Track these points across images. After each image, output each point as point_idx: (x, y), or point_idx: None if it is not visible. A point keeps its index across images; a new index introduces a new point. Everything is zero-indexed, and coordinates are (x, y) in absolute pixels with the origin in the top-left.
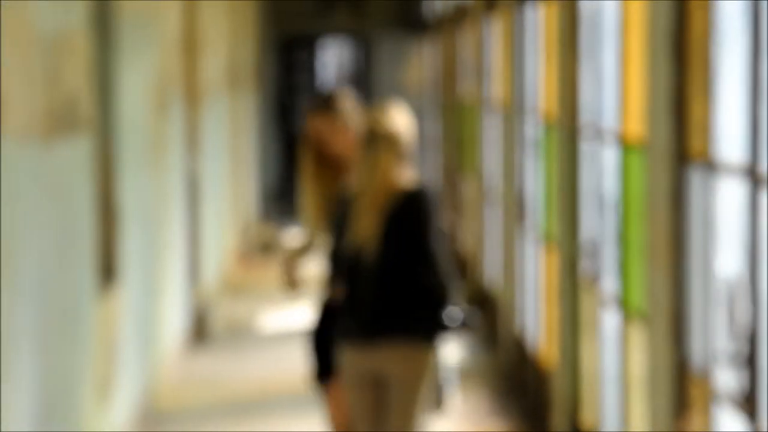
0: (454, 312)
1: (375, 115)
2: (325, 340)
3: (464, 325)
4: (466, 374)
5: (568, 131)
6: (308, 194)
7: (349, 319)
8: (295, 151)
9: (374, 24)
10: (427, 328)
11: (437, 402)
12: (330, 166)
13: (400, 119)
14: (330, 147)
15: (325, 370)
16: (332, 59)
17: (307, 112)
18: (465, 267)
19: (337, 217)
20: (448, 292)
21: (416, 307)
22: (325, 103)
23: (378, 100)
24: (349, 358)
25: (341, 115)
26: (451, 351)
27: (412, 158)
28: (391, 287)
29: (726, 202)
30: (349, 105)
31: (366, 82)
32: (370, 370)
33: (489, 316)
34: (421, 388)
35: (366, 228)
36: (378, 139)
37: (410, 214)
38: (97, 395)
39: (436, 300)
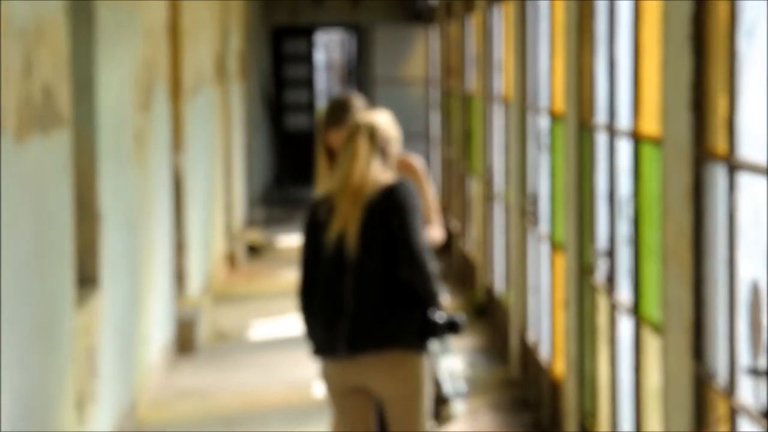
0: (439, 315)
1: (360, 113)
2: None
3: (451, 329)
4: (474, 386)
5: (579, 127)
6: None
7: (328, 331)
8: (288, 151)
9: (371, 14)
10: (413, 334)
11: (443, 415)
12: None
13: (383, 118)
14: None
15: None
16: (327, 51)
17: (323, 126)
18: (471, 271)
19: (309, 221)
20: (432, 293)
21: (400, 312)
22: (340, 116)
23: (374, 95)
24: (331, 374)
25: None
26: (457, 361)
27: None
28: (372, 292)
29: (749, 202)
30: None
31: (362, 76)
32: (356, 384)
33: (498, 324)
34: (418, 402)
35: (344, 225)
36: (358, 134)
37: (387, 209)
38: (76, 410)
39: (421, 303)
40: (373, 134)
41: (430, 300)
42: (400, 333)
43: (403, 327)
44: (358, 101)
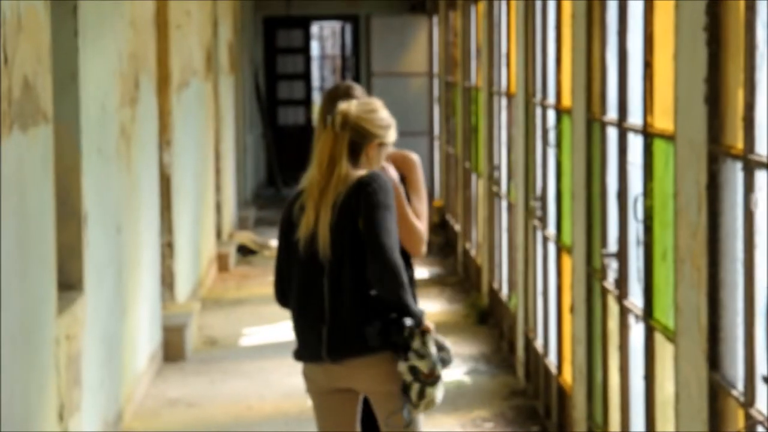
0: (405, 320)
1: (341, 103)
2: None
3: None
4: (478, 395)
5: (588, 122)
6: None
7: (308, 336)
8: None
9: (368, 4)
10: (382, 338)
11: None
12: None
13: (365, 107)
14: None
15: None
16: (322, 43)
17: (323, 117)
18: (475, 274)
19: (284, 221)
20: (401, 299)
21: (373, 315)
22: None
23: (372, 89)
24: (313, 376)
25: None
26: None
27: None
28: (346, 295)
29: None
30: None
31: (359, 69)
32: (339, 386)
33: (503, 329)
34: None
35: (314, 225)
36: (328, 126)
37: (355, 205)
38: (59, 420)
39: (384, 304)
40: (344, 126)
41: (401, 308)
42: (370, 338)
43: (371, 332)
44: (357, 91)
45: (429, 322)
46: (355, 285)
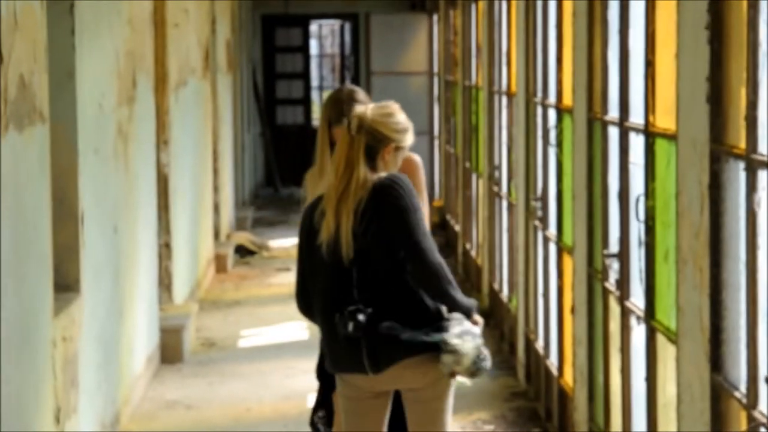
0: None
1: (359, 106)
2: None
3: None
4: (479, 397)
5: (589, 122)
6: None
7: (340, 346)
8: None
9: (367, 2)
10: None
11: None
12: None
13: (381, 110)
14: None
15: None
16: (321, 42)
17: (326, 122)
18: (476, 275)
19: (304, 226)
20: (444, 291)
21: (413, 318)
22: (345, 111)
23: (371, 88)
24: (353, 384)
25: None
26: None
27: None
28: (376, 300)
29: None
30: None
31: (358, 68)
32: (381, 390)
33: (504, 330)
34: (445, 403)
35: (335, 230)
36: (346, 132)
37: (380, 206)
38: (55, 423)
39: (417, 306)
40: (359, 129)
41: (451, 305)
42: (417, 339)
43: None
44: (360, 95)
45: (478, 317)
46: (386, 290)
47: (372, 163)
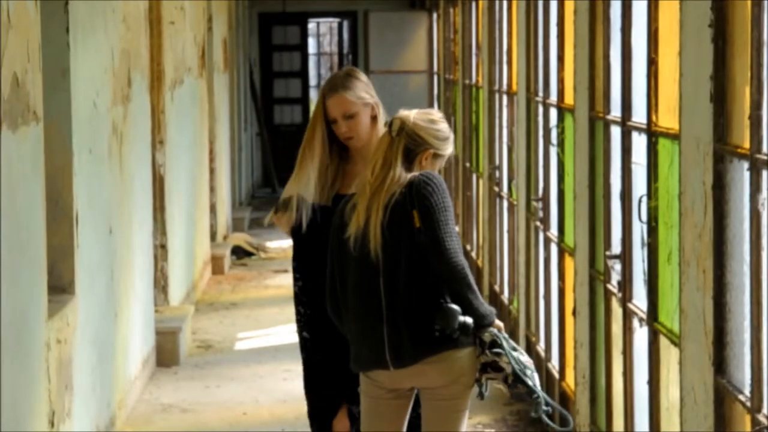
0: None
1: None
2: (327, 375)
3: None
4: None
5: (591, 121)
6: None
7: (366, 341)
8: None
9: (366, 1)
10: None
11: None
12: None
13: (423, 116)
14: (354, 142)
15: (329, 410)
16: (318, 40)
17: (322, 94)
18: (476, 277)
19: (336, 222)
20: (463, 295)
21: (429, 315)
22: (341, 82)
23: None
24: (376, 381)
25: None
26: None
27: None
28: (403, 296)
29: None
30: (363, 88)
31: (356, 66)
32: (403, 387)
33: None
34: (465, 402)
35: (364, 226)
36: (386, 132)
37: (411, 201)
38: (49, 426)
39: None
40: (400, 131)
41: (470, 310)
42: (443, 335)
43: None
44: (358, 73)
45: (499, 322)
46: (412, 285)
47: (409, 166)
